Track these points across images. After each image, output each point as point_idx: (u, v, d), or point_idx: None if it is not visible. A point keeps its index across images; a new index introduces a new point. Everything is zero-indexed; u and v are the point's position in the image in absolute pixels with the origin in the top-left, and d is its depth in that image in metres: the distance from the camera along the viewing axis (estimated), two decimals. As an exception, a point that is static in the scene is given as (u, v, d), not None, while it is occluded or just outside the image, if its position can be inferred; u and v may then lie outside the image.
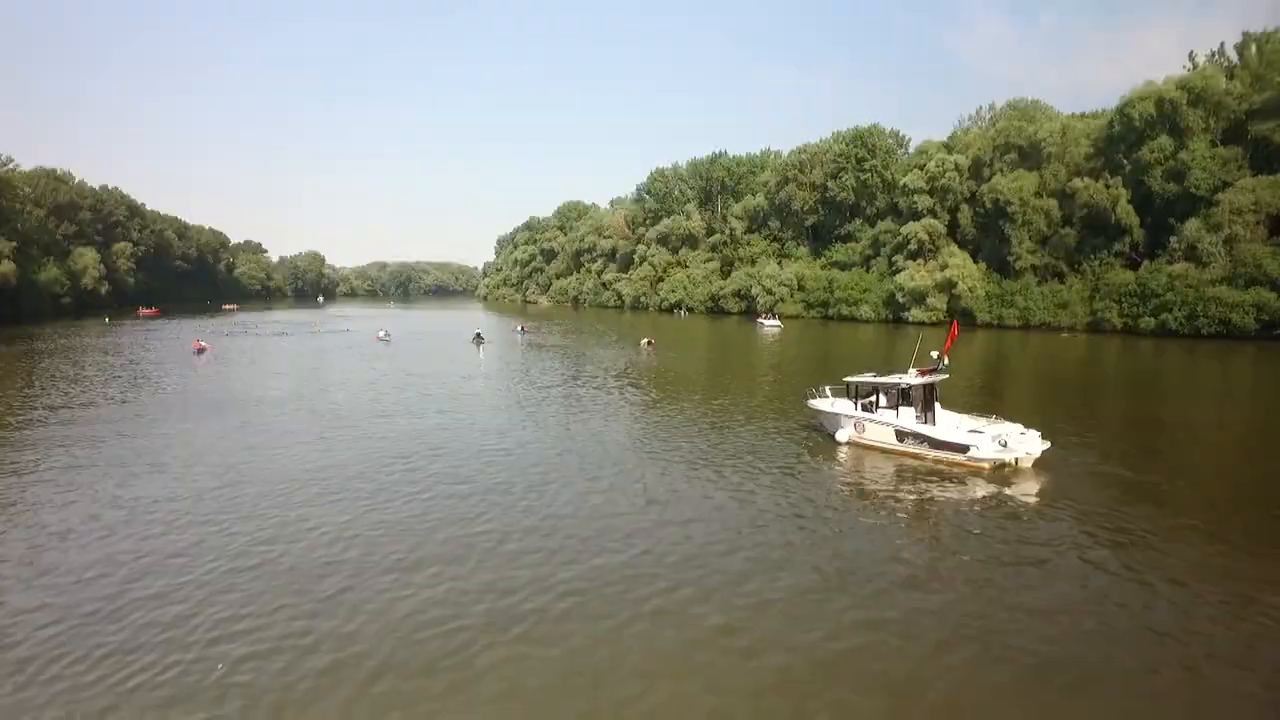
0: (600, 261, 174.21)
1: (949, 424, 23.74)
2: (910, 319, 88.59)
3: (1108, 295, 73.37)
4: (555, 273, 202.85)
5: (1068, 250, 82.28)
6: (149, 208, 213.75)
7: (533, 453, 24.16)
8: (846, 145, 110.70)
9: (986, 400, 36.58)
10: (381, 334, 68.13)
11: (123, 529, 17.31)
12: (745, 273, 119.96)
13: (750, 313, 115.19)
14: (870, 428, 24.73)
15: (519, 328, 79.78)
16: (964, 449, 22.31)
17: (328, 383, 41.31)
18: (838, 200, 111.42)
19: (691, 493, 19.85)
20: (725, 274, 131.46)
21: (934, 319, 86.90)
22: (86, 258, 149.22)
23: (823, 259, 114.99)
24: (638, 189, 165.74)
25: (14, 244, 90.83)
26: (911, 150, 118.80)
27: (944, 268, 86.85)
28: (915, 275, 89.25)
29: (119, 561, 15.41)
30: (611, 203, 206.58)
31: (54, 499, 19.87)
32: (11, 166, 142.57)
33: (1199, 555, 15.71)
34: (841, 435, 25.39)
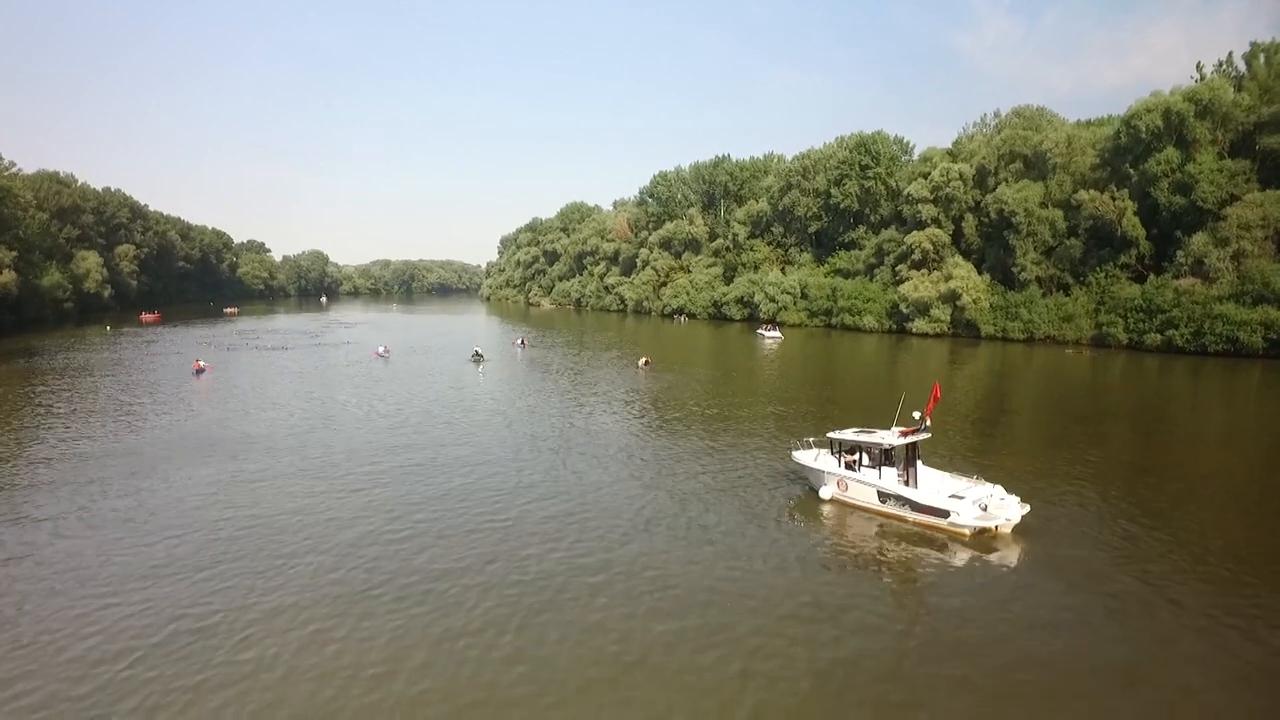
0: (603, 265, 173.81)
1: (931, 485, 23.61)
2: (914, 330, 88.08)
3: (1113, 309, 72.71)
4: (558, 274, 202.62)
5: (1073, 261, 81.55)
6: (151, 208, 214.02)
7: (524, 521, 23.84)
8: (850, 152, 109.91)
9: (985, 429, 36.06)
10: (381, 350, 67.81)
11: (95, 634, 16.80)
12: (748, 279, 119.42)
13: (753, 319, 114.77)
14: (853, 486, 24.58)
15: (519, 341, 79.40)
16: (945, 514, 22.19)
17: (324, 416, 40.87)
18: (841, 207, 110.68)
19: (684, 576, 19.51)
20: (728, 280, 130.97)
21: (937, 330, 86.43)
22: (89, 261, 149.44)
23: (826, 266, 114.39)
24: (640, 192, 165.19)
25: (15, 253, 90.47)
26: (916, 156, 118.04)
27: (948, 279, 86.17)
28: (919, 286, 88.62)
29: (90, 678, 15.00)
30: (614, 204, 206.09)
31: (28, 590, 19.49)
32: (14, 170, 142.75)
33: (1201, 648, 15.32)
34: (825, 492, 25.23)
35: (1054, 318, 78.20)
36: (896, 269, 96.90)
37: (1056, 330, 77.46)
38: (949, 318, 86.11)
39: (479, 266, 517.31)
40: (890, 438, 23.90)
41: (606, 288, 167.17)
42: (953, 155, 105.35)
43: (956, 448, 33.22)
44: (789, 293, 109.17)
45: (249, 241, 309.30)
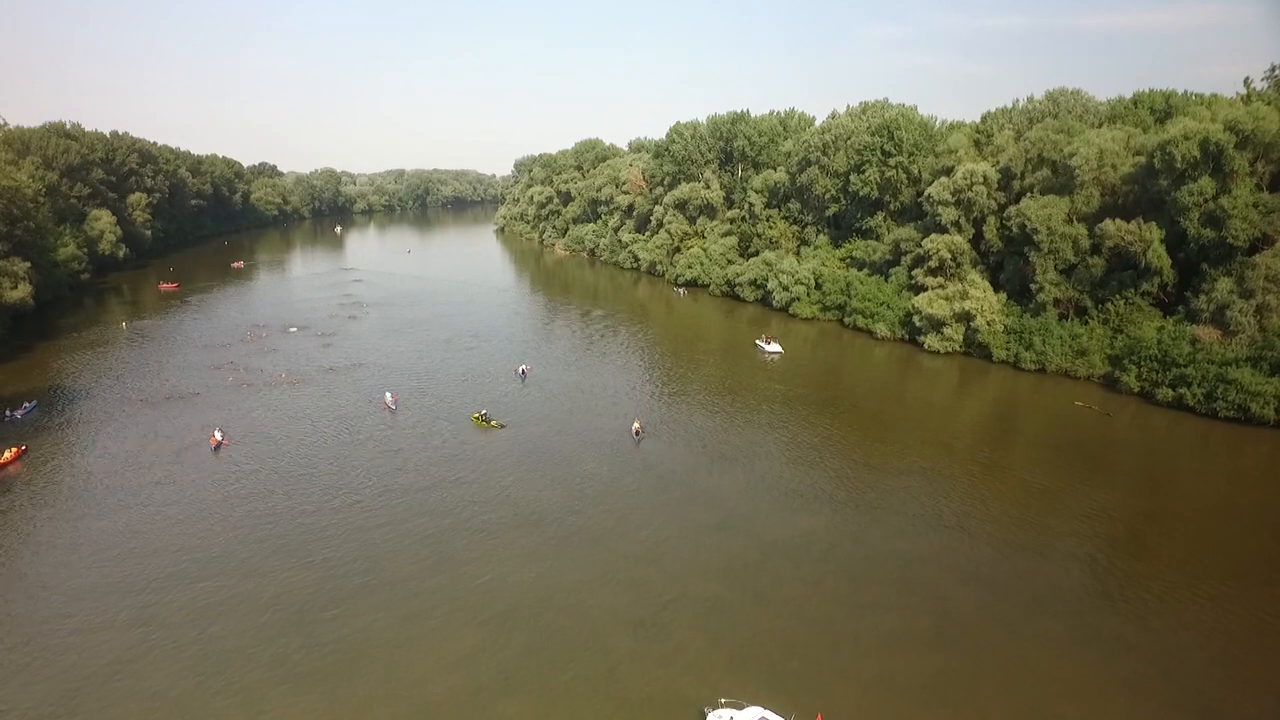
0: (617, 216, 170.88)
1: None
2: (926, 346, 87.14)
3: (1128, 354, 71.39)
4: (571, 216, 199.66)
5: (1093, 283, 79.47)
6: (160, 143, 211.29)
7: None
8: (872, 136, 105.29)
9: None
10: (388, 398, 68.84)
11: None
12: (763, 261, 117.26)
13: (765, 303, 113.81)
14: None
15: (522, 369, 79.67)
16: None
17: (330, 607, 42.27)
18: (860, 194, 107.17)
19: None
20: (743, 250, 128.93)
21: (949, 349, 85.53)
22: (103, 221, 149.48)
23: (843, 250, 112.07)
24: (656, 145, 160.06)
25: (29, 263, 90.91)
26: (940, 125, 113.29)
27: (964, 296, 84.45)
28: (933, 301, 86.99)
29: None
30: (629, 145, 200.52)
31: None
32: (8, 127, 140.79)
33: None
34: None
35: (1068, 350, 76.99)
36: (912, 272, 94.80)
37: (1069, 364, 76.44)
38: (961, 337, 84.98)
39: (493, 176, 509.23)
40: None
41: (621, 242, 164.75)
42: (978, 143, 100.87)
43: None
44: (803, 283, 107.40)
45: (261, 164, 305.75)
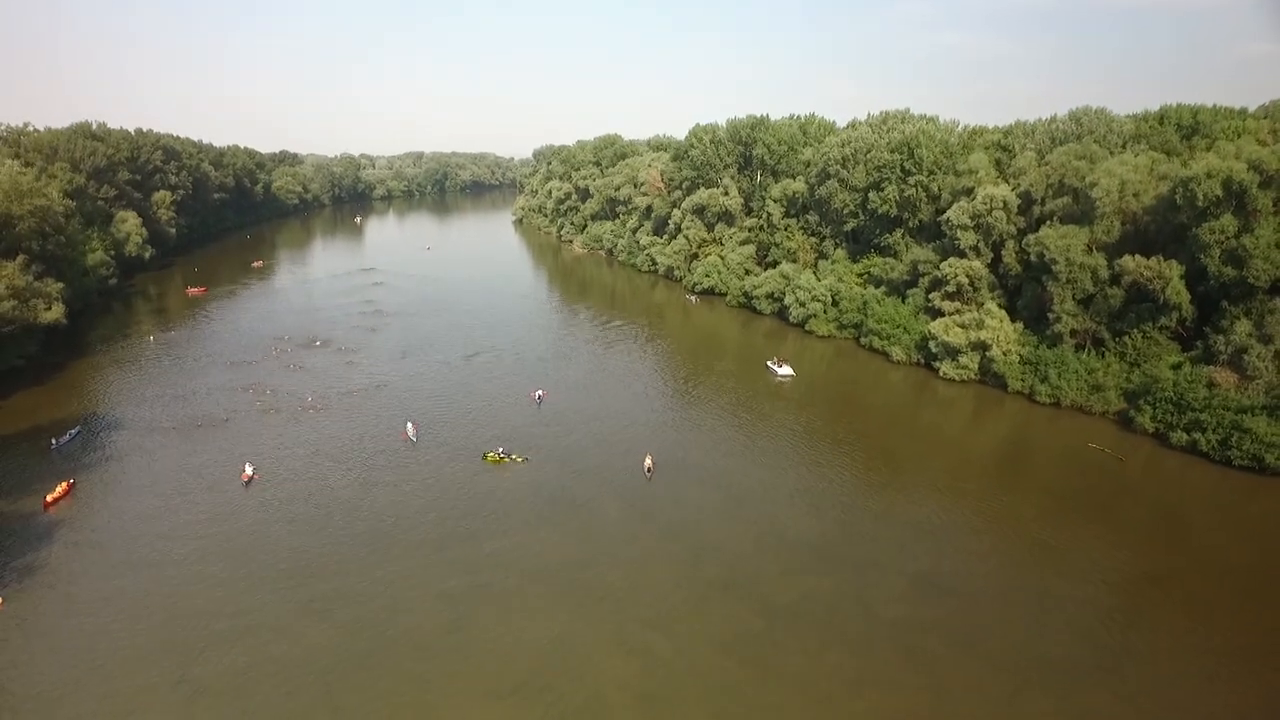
0: (635, 217, 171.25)
1: None
2: (941, 372, 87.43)
3: (1144, 394, 71.46)
4: (590, 213, 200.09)
5: (1111, 313, 79.49)
6: (183, 135, 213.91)
7: None
8: (891, 154, 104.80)
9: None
10: (409, 429, 70.57)
11: None
12: (781, 273, 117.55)
13: (782, 316, 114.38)
14: None
15: (537, 394, 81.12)
16: None
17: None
18: (879, 212, 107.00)
19: None
20: (761, 259, 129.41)
21: (964, 377, 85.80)
22: (129, 224, 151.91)
23: (860, 265, 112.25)
24: (675, 147, 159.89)
25: (61, 284, 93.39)
26: (962, 131, 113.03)
27: (980, 326, 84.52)
28: (949, 329, 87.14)
29: None
30: (649, 143, 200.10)
31: None
32: (31, 127, 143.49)
33: None
34: None
35: (1083, 385, 77.05)
36: (930, 295, 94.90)
37: (1084, 399, 76.55)
38: (977, 365, 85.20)
39: (511, 159, 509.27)
40: None
41: (639, 244, 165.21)
42: (999, 161, 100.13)
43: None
44: (820, 300, 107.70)
45: (280, 152, 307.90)
